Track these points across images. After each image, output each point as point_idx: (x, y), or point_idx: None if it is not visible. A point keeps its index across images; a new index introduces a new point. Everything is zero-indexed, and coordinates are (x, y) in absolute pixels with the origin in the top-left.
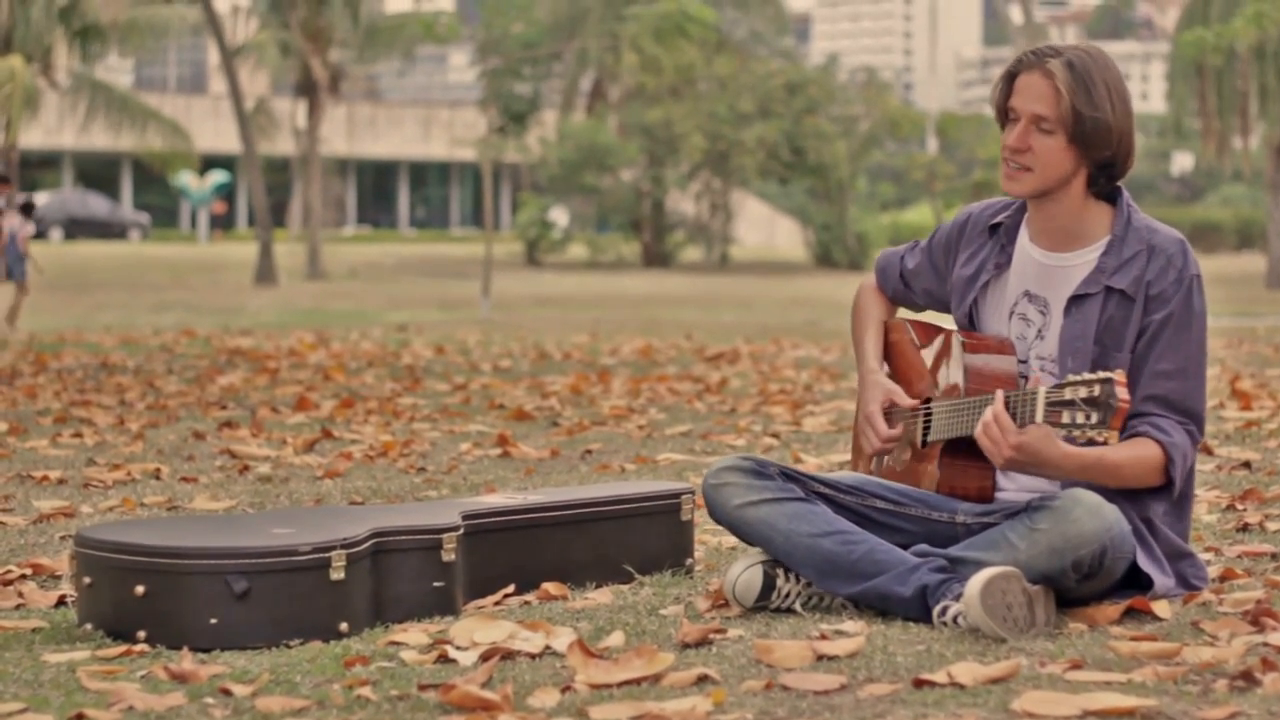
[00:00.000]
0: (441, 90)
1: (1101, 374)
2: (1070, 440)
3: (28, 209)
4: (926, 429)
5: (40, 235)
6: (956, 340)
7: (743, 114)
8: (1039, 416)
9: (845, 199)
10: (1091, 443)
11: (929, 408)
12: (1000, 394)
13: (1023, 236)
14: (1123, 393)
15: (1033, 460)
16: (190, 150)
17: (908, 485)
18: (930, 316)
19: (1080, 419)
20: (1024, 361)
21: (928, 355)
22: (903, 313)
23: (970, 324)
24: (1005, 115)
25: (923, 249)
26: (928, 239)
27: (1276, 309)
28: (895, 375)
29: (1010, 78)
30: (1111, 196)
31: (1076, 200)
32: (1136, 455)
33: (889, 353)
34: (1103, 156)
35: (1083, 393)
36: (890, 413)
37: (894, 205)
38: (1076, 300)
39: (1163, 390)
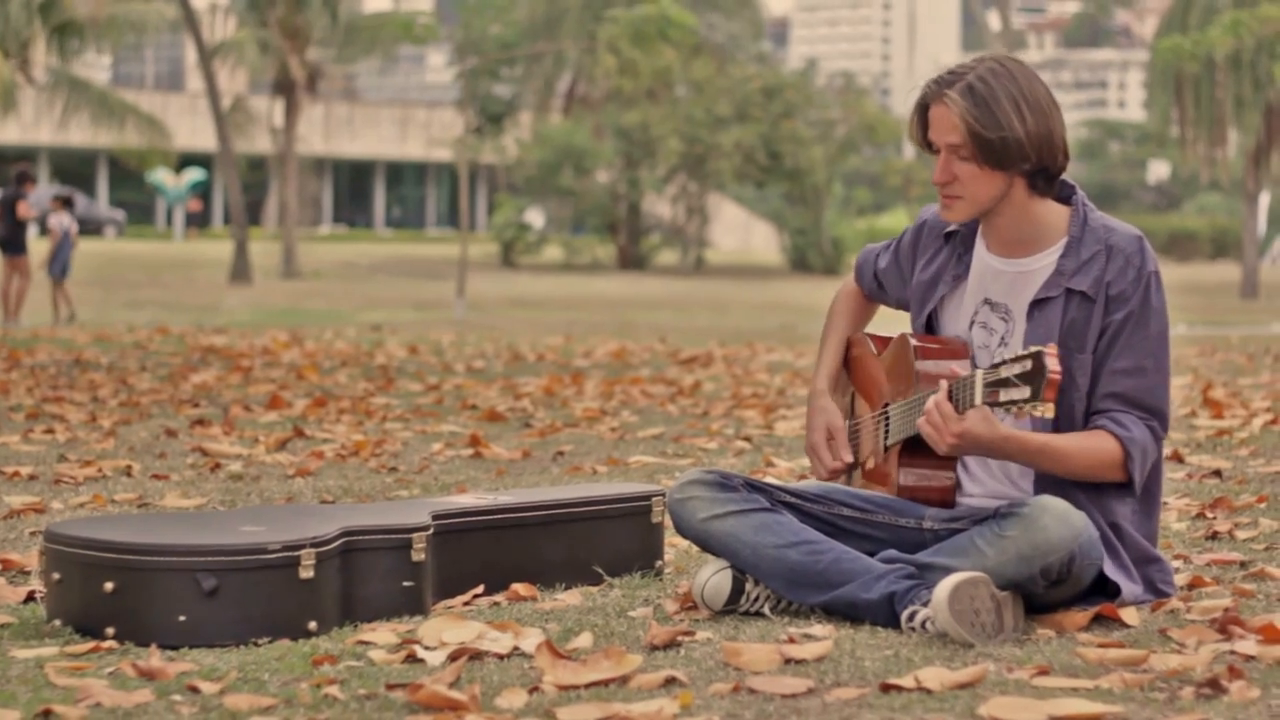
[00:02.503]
0: (419, 90)
1: (1033, 348)
2: (1014, 420)
3: (70, 203)
4: (887, 433)
5: None
6: (910, 343)
7: (720, 118)
8: (978, 398)
9: (821, 204)
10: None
11: (887, 410)
12: (944, 383)
13: (979, 245)
14: (1053, 363)
15: (974, 445)
16: (168, 146)
17: (874, 491)
18: (896, 326)
19: (1015, 395)
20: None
21: (884, 361)
22: (873, 324)
23: (929, 330)
24: (928, 145)
25: (892, 251)
26: (898, 239)
27: (1250, 318)
28: (858, 390)
29: (923, 109)
30: (1065, 195)
31: (1022, 207)
32: (1088, 446)
33: (851, 368)
34: (1025, 168)
35: (1016, 369)
36: (853, 429)
37: (870, 210)
38: (1038, 304)
39: (1122, 387)
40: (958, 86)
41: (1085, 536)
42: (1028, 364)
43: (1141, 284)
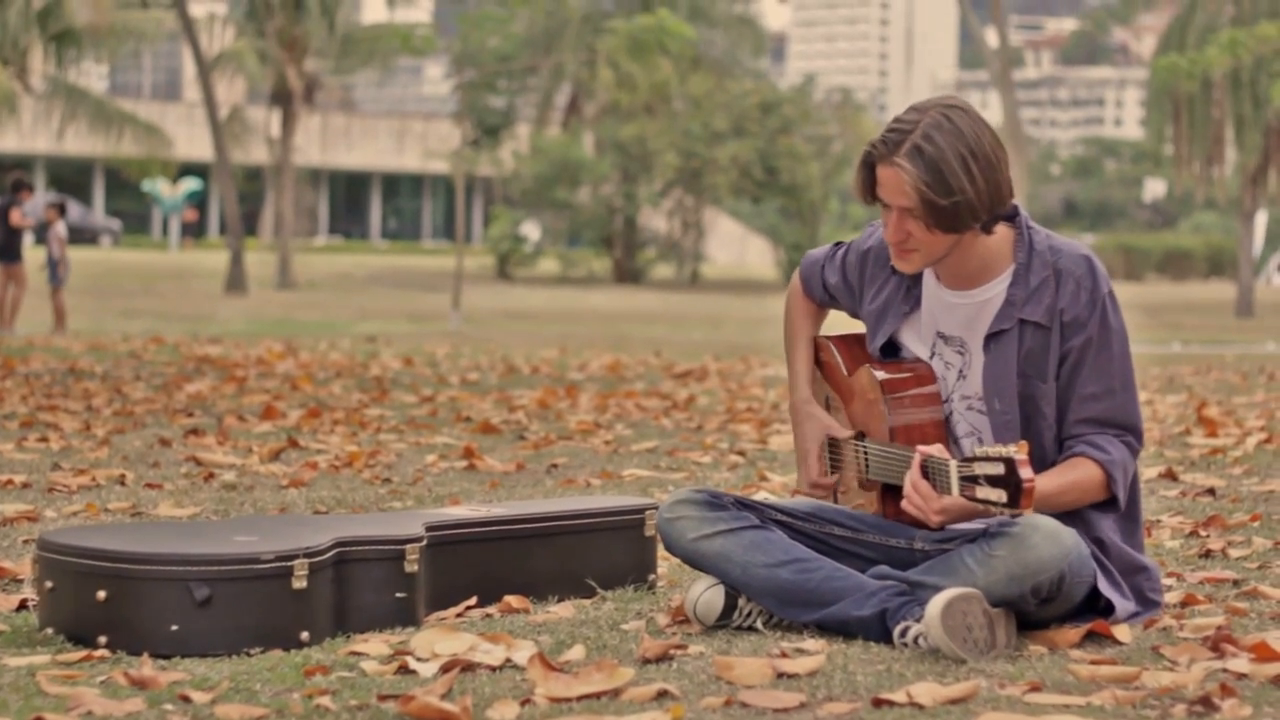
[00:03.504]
0: (416, 102)
1: (1004, 452)
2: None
3: (63, 210)
4: (867, 465)
5: None
6: (875, 377)
7: (717, 132)
8: (954, 490)
9: (817, 219)
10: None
11: (865, 446)
12: (916, 460)
13: (928, 276)
14: (1026, 472)
15: (960, 514)
16: (169, 155)
17: (858, 507)
18: (856, 325)
19: (992, 497)
20: (947, 401)
21: (855, 384)
22: (829, 324)
23: (891, 350)
24: (875, 200)
25: (838, 265)
26: (844, 253)
27: (1245, 337)
28: (834, 395)
29: (869, 167)
30: (1009, 216)
31: (971, 247)
32: (1073, 479)
33: (824, 372)
34: (975, 225)
35: (989, 469)
36: (832, 445)
37: (865, 226)
38: (993, 338)
39: (1093, 412)
40: (905, 149)
41: (1075, 555)
42: (1000, 468)
43: (1097, 309)
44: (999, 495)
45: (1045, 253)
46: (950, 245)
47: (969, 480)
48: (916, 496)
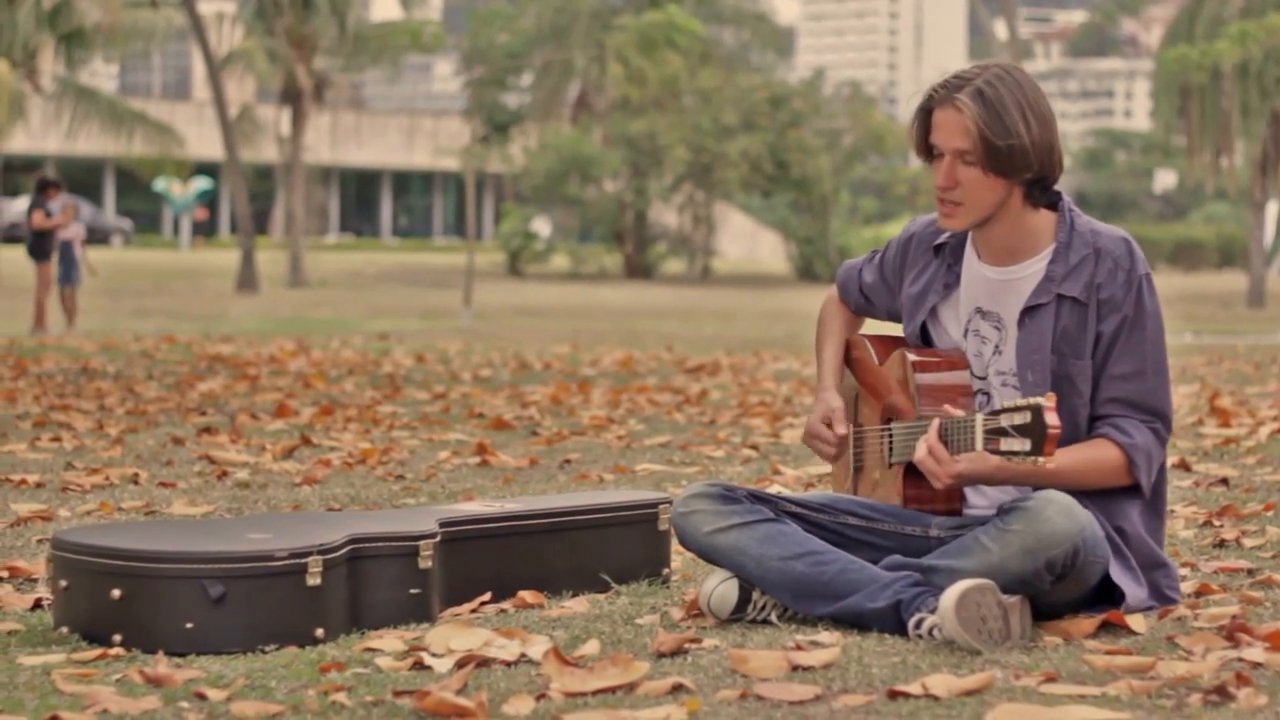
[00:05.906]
0: (426, 100)
1: (1032, 400)
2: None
3: (75, 210)
4: (891, 449)
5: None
6: (908, 358)
7: (726, 127)
8: (978, 445)
9: (828, 213)
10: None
11: (890, 429)
12: (935, 424)
13: (969, 254)
14: (1052, 419)
15: (972, 480)
16: (182, 155)
17: (880, 501)
18: (892, 328)
19: (1016, 446)
20: (983, 378)
21: (886, 373)
22: (866, 326)
23: (923, 341)
24: (928, 151)
25: (876, 265)
26: (881, 253)
27: (1257, 327)
28: (862, 390)
29: (926, 113)
30: (1051, 202)
31: (1016, 217)
32: (1086, 457)
33: (854, 369)
34: (1028, 177)
35: (1016, 420)
36: (857, 433)
37: (876, 219)
38: (1029, 312)
39: (1122, 392)
40: (967, 91)
41: (1089, 530)
42: (1026, 416)
43: (1133, 289)
44: (1023, 444)
45: (1086, 234)
46: (997, 201)
47: (994, 433)
48: (931, 461)
